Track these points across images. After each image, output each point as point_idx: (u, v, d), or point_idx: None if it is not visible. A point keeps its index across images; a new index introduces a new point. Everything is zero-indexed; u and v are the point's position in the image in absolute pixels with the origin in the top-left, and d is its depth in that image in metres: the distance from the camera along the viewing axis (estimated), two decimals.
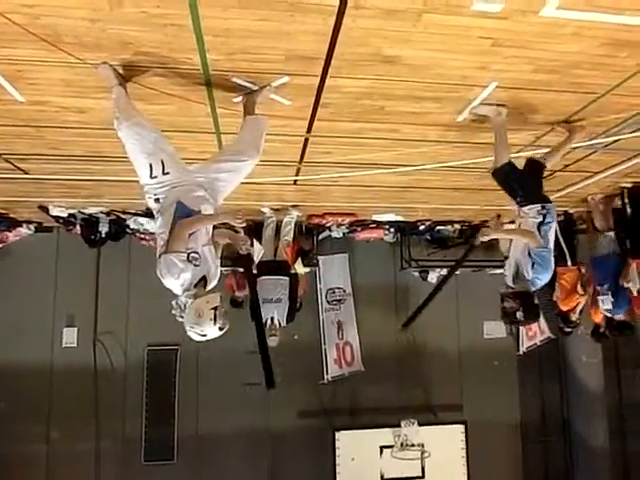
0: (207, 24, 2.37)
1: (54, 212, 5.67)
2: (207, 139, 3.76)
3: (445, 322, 7.29)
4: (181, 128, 3.56)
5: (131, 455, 6.63)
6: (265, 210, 5.92)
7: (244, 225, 2.96)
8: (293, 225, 5.96)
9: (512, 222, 3.43)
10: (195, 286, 2.60)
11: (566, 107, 3.31)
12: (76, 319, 6.79)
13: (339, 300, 7.28)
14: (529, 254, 3.29)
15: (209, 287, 2.68)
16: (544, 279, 3.35)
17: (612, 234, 5.25)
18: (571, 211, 5.95)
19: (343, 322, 7.23)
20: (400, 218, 6.36)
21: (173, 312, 2.62)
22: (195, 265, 2.56)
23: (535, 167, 3.52)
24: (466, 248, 2.98)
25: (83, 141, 3.75)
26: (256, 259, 5.71)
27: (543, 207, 3.33)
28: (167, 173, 2.69)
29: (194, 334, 2.61)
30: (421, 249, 7.19)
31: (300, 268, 6.06)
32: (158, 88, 2.94)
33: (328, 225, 6.53)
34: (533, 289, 3.36)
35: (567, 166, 4.45)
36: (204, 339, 2.63)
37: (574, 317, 5.78)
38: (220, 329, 2.59)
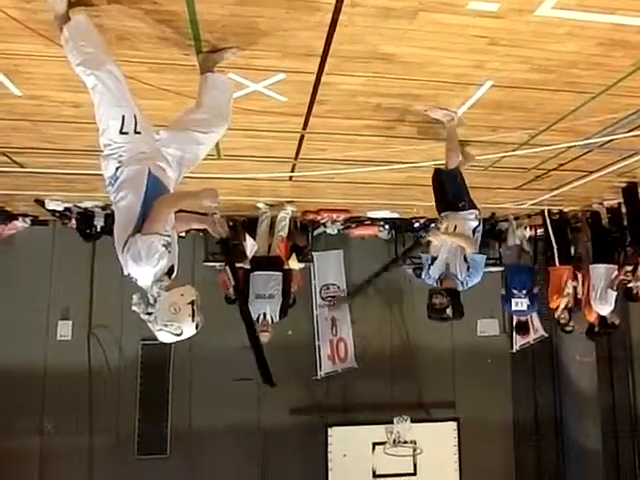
0: (204, 19, 2.37)
1: (50, 206, 5.66)
2: None
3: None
4: None
5: (124, 449, 6.65)
6: (260, 205, 5.93)
7: (222, 213, 2.54)
8: (288, 221, 5.97)
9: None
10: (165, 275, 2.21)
11: (561, 106, 3.32)
12: (71, 312, 6.80)
13: (333, 296, 7.30)
14: (465, 259, 3.43)
15: (172, 277, 2.27)
16: (475, 281, 3.48)
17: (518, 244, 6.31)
18: (565, 210, 5.99)
19: (337, 319, 7.26)
20: (395, 215, 6.38)
21: (134, 308, 2.19)
22: (169, 251, 2.20)
23: (460, 173, 3.68)
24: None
25: (79, 135, 3.74)
26: (249, 254, 5.71)
27: (480, 213, 3.55)
28: (138, 132, 2.29)
29: (166, 334, 2.20)
30: (416, 246, 7.22)
31: (294, 264, 6.07)
32: (153, 84, 2.94)
33: (323, 221, 6.54)
34: (461, 289, 3.48)
35: (562, 165, 4.47)
36: (177, 339, 2.23)
37: (557, 314, 5.84)
38: (197, 327, 2.22)
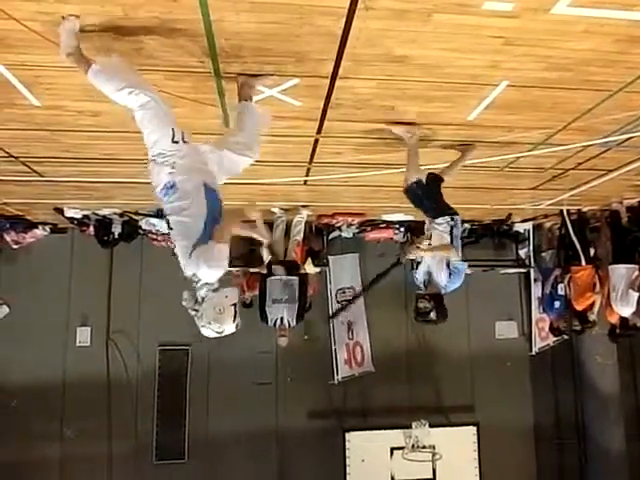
0: (218, 28, 2.39)
1: (69, 213, 5.76)
2: None
3: (456, 322, 7.22)
4: (192, 130, 3.57)
5: (143, 454, 6.69)
6: (275, 210, 5.95)
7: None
8: (303, 225, 5.98)
9: (429, 239, 3.67)
10: None
11: (578, 105, 3.28)
12: (89, 319, 6.88)
13: (349, 300, 7.28)
14: (447, 265, 3.54)
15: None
16: (455, 286, 3.61)
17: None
18: (584, 209, 5.90)
19: (353, 322, 7.23)
20: (410, 218, 6.35)
21: (184, 304, 2.47)
22: None
23: (436, 180, 3.74)
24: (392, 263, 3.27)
25: (97, 144, 3.80)
26: (266, 259, 5.74)
27: (452, 219, 3.58)
28: (186, 142, 2.53)
29: (209, 331, 2.47)
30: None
31: (310, 268, 6.07)
32: (170, 91, 2.97)
33: (338, 225, 6.54)
34: (443, 292, 3.62)
35: (580, 164, 4.41)
36: (218, 336, 2.51)
37: (592, 317, 5.74)
38: (237, 326, 2.50)
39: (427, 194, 3.62)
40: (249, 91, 2.85)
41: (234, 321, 2.46)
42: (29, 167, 4.30)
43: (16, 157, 4.08)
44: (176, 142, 2.49)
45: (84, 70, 2.43)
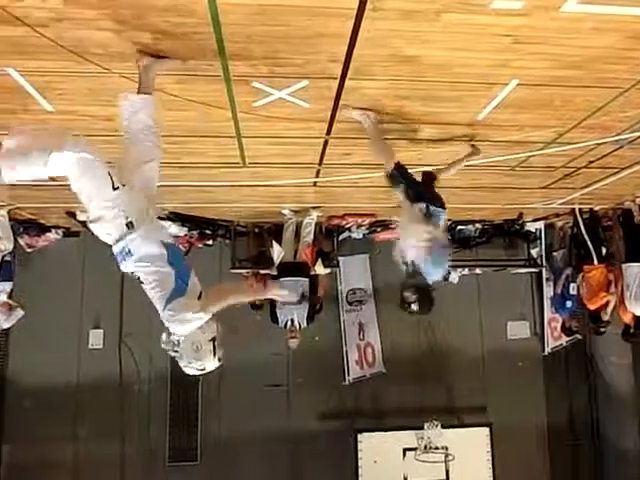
0: (228, 30, 2.41)
1: (81, 217, 5.79)
2: (228, 143, 3.81)
3: (467, 323, 7.23)
4: (202, 133, 3.62)
5: (155, 457, 6.73)
6: (285, 212, 5.96)
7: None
8: (313, 226, 5.99)
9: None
10: None
11: (590, 103, 3.25)
12: (102, 321, 6.94)
13: (360, 301, 7.27)
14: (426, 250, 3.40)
15: None
16: (437, 275, 3.46)
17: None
18: (596, 208, 5.85)
19: (364, 323, 7.22)
20: None
21: (163, 346, 2.38)
22: None
23: (428, 177, 3.72)
24: None
25: (109, 148, 3.81)
26: (276, 261, 5.76)
27: (427, 207, 3.43)
28: (117, 188, 2.28)
29: (191, 370, 2.38)
30: None
31: (320, 269, 6.08)
32: (179, 95, 3.00)
33: (348, 226, 6.54)
34: (430, 281, 3.51)
35: (591, 163, 4.37)
36: (202, 373, 2.41)
37: (605, 317, 5.68)
38: (219, 360, 2.39)
39: (408, 179, 3.49)
40: (152, 80, 2.52)
41: (214, 356, 2.35)
42: None
43: None
44: (116, 188, 2.27)
45: None
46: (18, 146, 2.18)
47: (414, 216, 3.42)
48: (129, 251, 2.29)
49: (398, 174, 3.47)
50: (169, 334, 2.35)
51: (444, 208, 3.54)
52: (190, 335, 2.31)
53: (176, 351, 2.34)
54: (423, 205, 3.43)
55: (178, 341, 2.33)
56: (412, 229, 3.39)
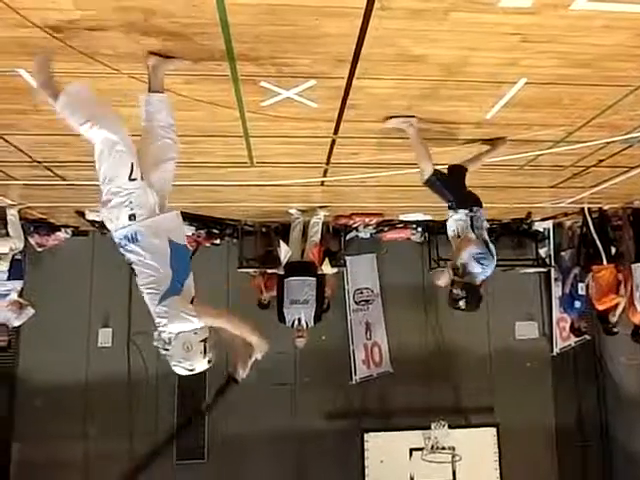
0: (236, 30, 2.42)
1: (90, 216, 5.85)
2: (236, 142, 3.82)
3: (475, 322, 7.19)
4: (210, 133, 3.64)
5: (163, 454, 6.75)
6: (292, 211, 5.97)
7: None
8: (320, 226, 6.00)
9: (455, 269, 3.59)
10: None
11: (599, 101, 3.23)
12: (111, 320, 6.99)
13: (367, 300, 7.27)
14: (473, 257, 3.55)
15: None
16: (488, 273, 3.60)
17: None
18: (605, 207, 5.80)
19: (371, 323, 7.22)
20: (428, 217, 6.32)
21: (155, 344, 2.38)
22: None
23: (458, 171, 3.73)
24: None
25: None
26: (283, 260, 5.77)
27: (471, 209, 3.57)
28: (142, 179, 2.37)
29: (180, 369, 2.38)
30: (449, 249, 7.13)
31: (327, 269, 6.08)
32: (188, 95, 3.01)
33: (355, 225, 6.54)
34: (477, 281, 3.62)
35: (601, 161, 4.34)
36: (191, 373, 2.41)
37: (614, 318, 5.64)
38: (209, 362, 2.39)
39: (447, 184, 3.61)
40: (161, 80, 2.55)
41: (204, 357, 2.36)
42: (52, 171, 4.39)
43: (39, 162, 4.18)
44: (133, 180, 2.33)
45: (52, 101, 2.35)
46: (74, 97, 2.33)
47: (461, 222, 3.55)
48: (135, 237, 2.33)
49: (436, 180, 3.56)
50: (162, 334, 2.37)
51: (481, 206, 3.63)
52: (182, 335, 2.33)
53: (167, 349, 2.36)
54: (467, 210, 3.56)
55: (169, 339, 2.33)
56: (462, 234, 3.54)
